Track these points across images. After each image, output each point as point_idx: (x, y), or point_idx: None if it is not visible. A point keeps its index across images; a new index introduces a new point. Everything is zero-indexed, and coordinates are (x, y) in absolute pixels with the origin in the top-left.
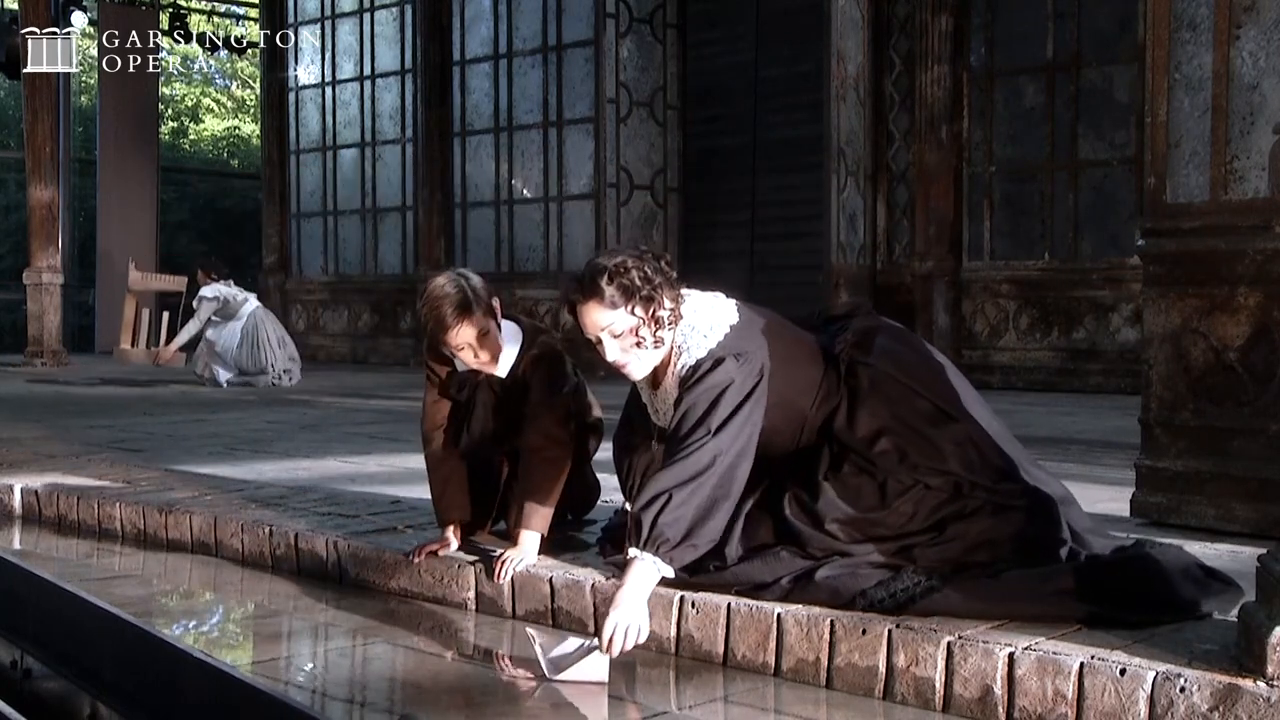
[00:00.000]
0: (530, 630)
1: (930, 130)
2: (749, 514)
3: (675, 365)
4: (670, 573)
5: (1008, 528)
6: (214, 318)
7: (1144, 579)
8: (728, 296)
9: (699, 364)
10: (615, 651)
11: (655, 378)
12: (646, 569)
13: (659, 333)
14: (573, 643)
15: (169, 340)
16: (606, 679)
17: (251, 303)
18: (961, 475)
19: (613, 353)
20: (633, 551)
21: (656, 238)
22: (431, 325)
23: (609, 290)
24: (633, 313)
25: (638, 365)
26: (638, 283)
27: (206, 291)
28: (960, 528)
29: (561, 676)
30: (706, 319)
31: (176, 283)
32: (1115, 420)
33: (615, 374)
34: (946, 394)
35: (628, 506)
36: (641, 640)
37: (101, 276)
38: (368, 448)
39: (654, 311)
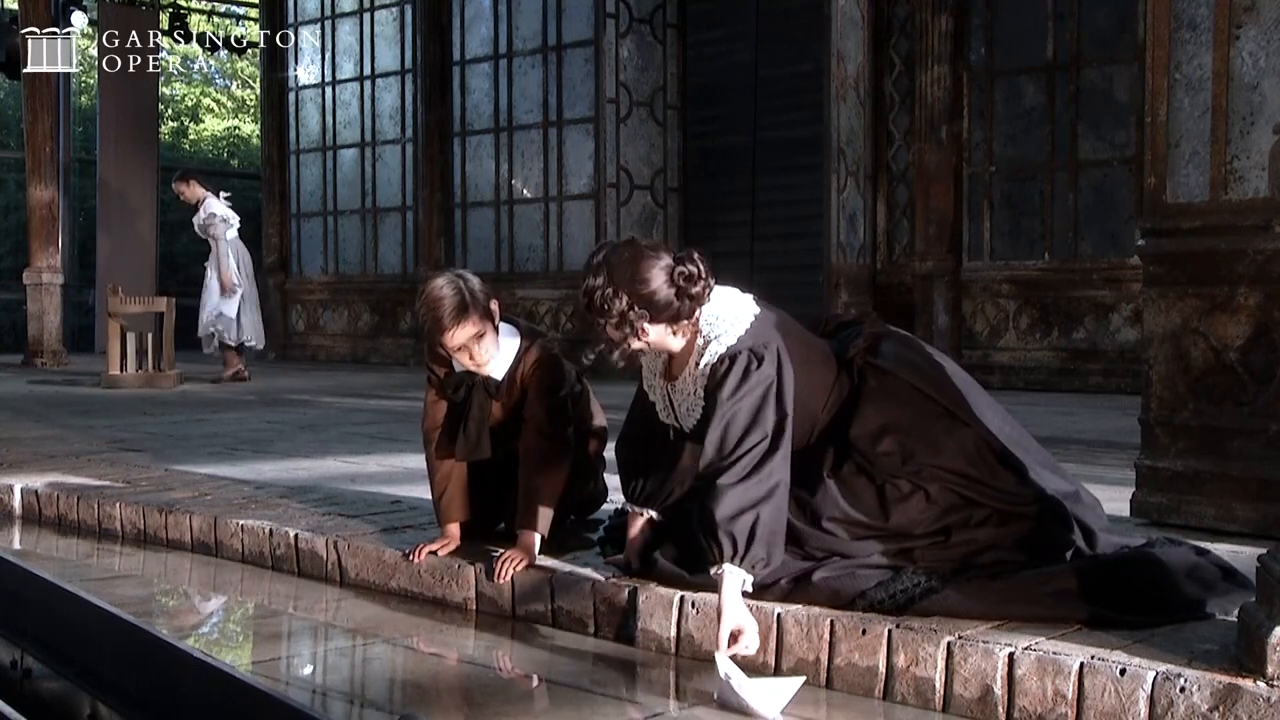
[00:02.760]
0: (726, 671)
1: (930, 130)
2: None
3: (700, 356)
4: (750, 587)
5: (1014, 534)
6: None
7: (1146, 579)
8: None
9: (733, 355)
10: (730, 650)
11: (671, 371)
12: (736, 582)
13: (647, 346)
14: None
15: (157, 363)
16: (776, 714)
17: (234, 228)
18: (970, 474)
19: (603, 345)
20: (728, 567)
21: (656, 238)
22: (429, 326)
23: (585, 306)
24: (611, 331)
25: (671, 339)
26: (612, 321)
27: (216, 209)
28: (966, 535)
29: (734, 700)
30: (731, 308)
31: (157, 304)
32: (1115, 420)
33: (630, 368)
34: (956, 398)
35: (629, 507)
36: (751, 650)
37: (101, 277)
38: (368, 448)
39: (629, 339)
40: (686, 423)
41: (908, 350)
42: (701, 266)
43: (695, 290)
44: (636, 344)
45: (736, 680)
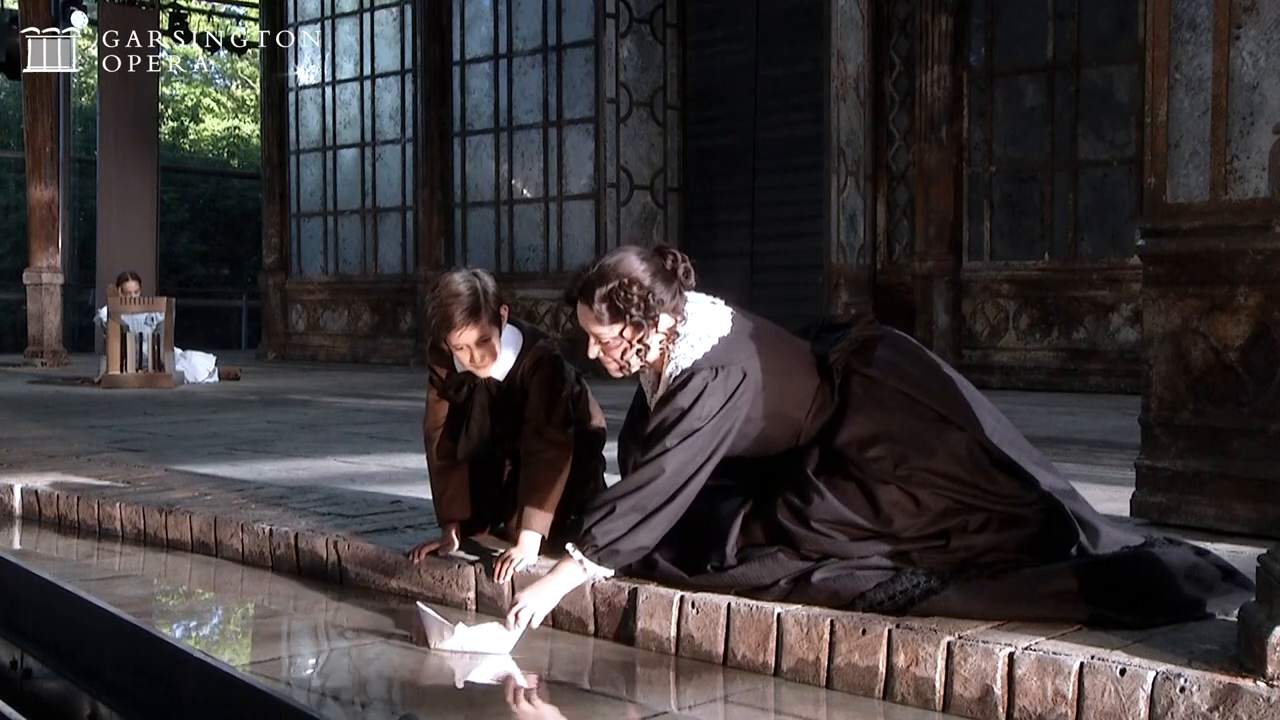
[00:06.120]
0: (421, 604)
1: (930, 130)
2: (745, 517)
3: (665, 374)
4: (605, 573)
5: (1017, 537)
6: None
7: (1146, 579)
8: (728, 302)
9: (682, 374)
10: (515, 627)
11: (657, 379)
12: (574, 567)
13: (646, 356)
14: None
15: (158, 363)
16: (507, 651)
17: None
18: (963, 478)
19: (593, 352)
20: (569, 547)
21: (656, 238)
22: (437, 321)
23: (599, 306)
24: (621, 334)
25: (614, 368)
26: (633, 310)
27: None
28: (965, 540)
29: (460, 646)
30: (698, 329)
31: (157, 304)
32: (1115, 420)
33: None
34: (948, 401)
35: None
36: (535, 625)
37: (101, 277)
38: (368, 448)
39: (642, 337)
40: None
41: (897, 354)
42: (679, 253)
43: (683, 269)
44: (652, 338)
45: (464, 628)
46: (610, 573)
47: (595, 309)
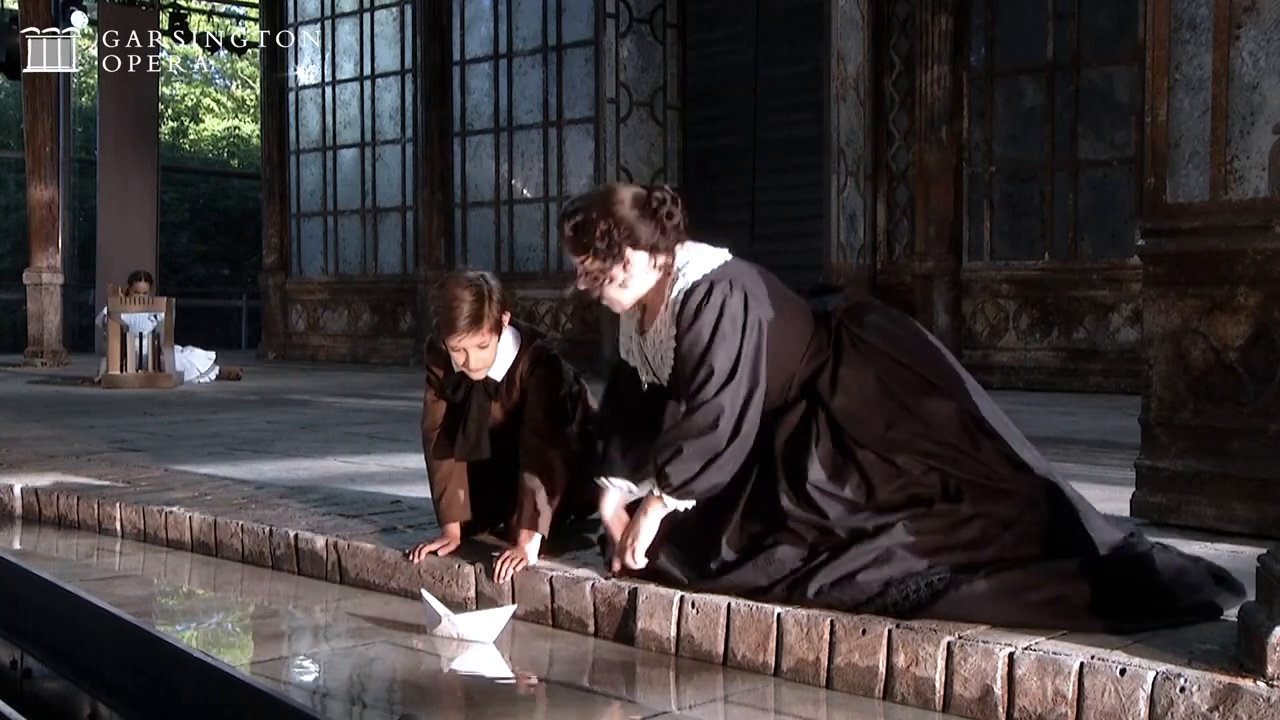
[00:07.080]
0: (425, 591)
1: (930, 130)
2: (743, 506)
3: (668, 298)
4: (684, 505)
5: (1001, 511)
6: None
7: (1143, 583)
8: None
9: (694, 288)
10: (637, 562)
11: (642, 324)
12: (658, 505)
13: (610, 288)
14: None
15: (158, 363)
16: (491, 640)
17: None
18: (948, 441)
19: (582, 282)
20: (653, 489)
21: None
22: (438, 322)
23: (568, 236)
24: (589, 265)
25: (608, 299)
26: (598, 243)
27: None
28: (949, 508)
29: (447, 632)
30: (702, 251)
31: (157, 304)
32: (1115, 420)
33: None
34: (935, 368)
35: (600, 481)
36: (639, 563)
37: (101, 276)
38: (368, 448)
39: (608, 269)
40: (662, 372)
41: (888, 320)
42: (670, 194)
43: (666, 210)
44: (620, 274)
45: (451, 616)
46: (691, 503)
47: (565, 238)
